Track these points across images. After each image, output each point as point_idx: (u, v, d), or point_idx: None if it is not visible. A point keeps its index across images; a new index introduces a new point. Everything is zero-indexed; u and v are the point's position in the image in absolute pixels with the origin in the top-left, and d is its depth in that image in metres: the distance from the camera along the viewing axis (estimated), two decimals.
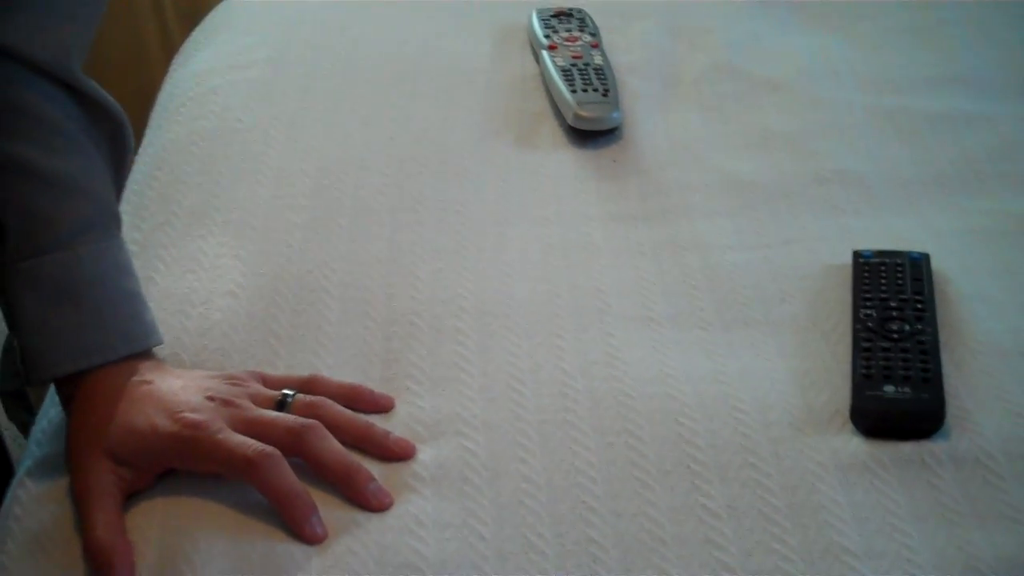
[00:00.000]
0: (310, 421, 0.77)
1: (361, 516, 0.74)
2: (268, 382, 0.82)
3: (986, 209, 1.02)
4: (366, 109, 1.15)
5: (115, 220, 0.83)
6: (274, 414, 0.77)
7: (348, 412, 0.80)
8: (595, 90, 1.13)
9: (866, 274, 0.91)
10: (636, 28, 1.30)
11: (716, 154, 1.10)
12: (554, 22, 1.25)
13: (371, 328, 0.89)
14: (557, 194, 1.04)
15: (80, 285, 0.79)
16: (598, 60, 1.18)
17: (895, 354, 0.82)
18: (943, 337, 0.85)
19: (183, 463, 0.76)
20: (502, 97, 1.18)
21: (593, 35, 1.23)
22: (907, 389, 0.80)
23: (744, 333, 0.88)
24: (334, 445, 0.77)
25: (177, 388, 0.78)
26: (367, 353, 0.87)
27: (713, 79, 1.21)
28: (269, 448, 0.74)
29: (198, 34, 1.33)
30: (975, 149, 1.09)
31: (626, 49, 1.25)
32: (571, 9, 1.28)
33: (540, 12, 1.27)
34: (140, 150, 1.14)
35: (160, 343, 0.83)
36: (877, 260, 0.92)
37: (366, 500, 0.75)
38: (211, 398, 0.77)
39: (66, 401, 0.80)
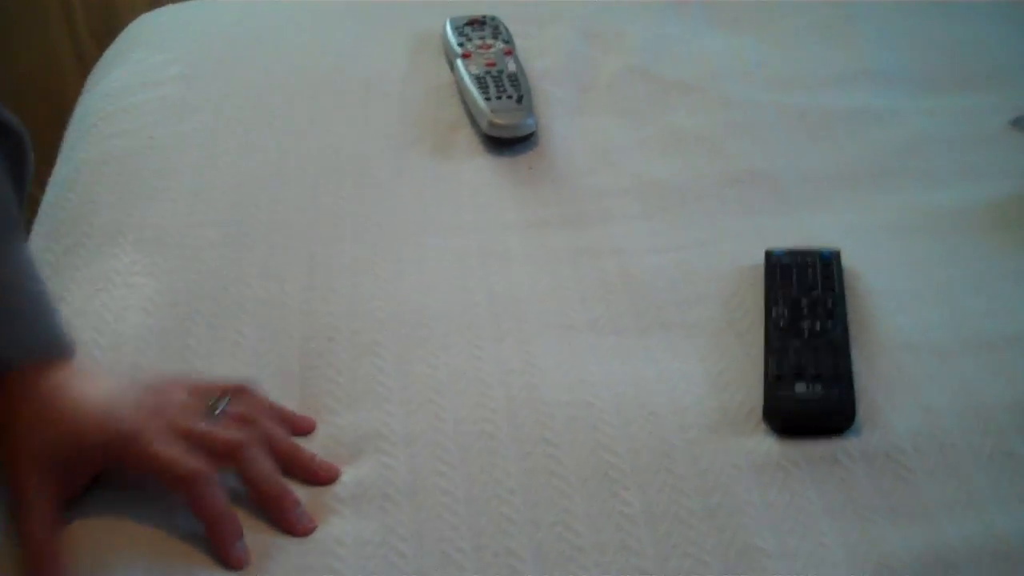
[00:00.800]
0: (246, 437, 0.77)
1: (282, 539, 0.74)
2: (195, 389, 0.81)
3: (895, 204, 1.03)
4: (281, 123, 1.15)
5: (17, 228, 0.82)
6: (208, 427, 0.77)
7: (279, 431, 0.80)
8: (509, 97, 1.13)
9: (778, 273, 0.92)
10: (550, 33, 1.30)
11: (631, 158, 1.10)
12: (468, 30, 1.24)
13: (287, 344, 0.89)
14: (474, 202, 1.05)
15: None
16: (512, 67, 1.18)
17: (806, 353, 0.83)
18: (854, 333, 0.87)
19: (113, 471, 0.76)
20: (418, 107, 1.18)
21: (507, 42, 1.22)
22: (818, 387, 0.81)
23: (660, 337, 0.89)
24: (268, 465, 0.77)
25: (104, 395, 0.77)
26: (284, 369, 0.87)
27: (627, 82, 1.22)
28: (204, 467, 0.74)
29: (111, 52, 1.32)
30: (884, 145, 1.11)
31: (540, 54, 1.26)
32: (484, 17, 1.28)
33: (454, 21, 1.27)
34: (53, 171, 1.13)
35: (69, 352, 0.80)
36: (788, 259, 0.93)
37: (291, 525, 0.75)
38: (140, 406, 0.76)
39: None
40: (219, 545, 0.73)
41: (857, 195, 1.05)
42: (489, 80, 1.16)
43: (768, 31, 1.31)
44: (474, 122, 1.14)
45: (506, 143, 1.12)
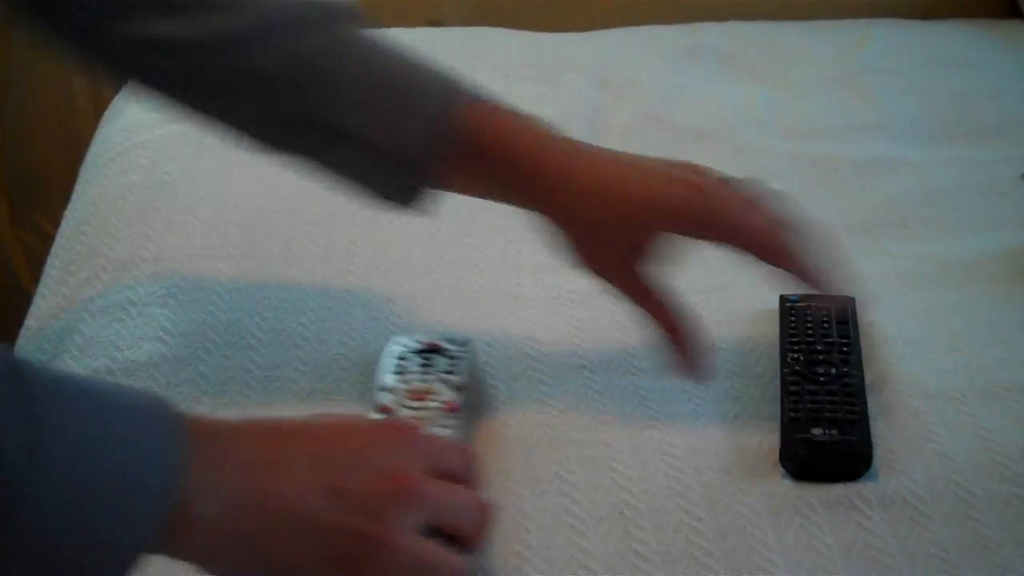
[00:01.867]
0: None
1: None
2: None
3: (910, 253, 1.04)
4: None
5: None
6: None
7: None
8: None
9: (792, 318, 0.91)
10: (563, 80, 1.31)
11: None
12: (414, 360, 0.85)
13: (301, 371, 0.89)
14: (488, 243, 1.05)
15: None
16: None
17: (822, 397, 0.83)
18: (869, 379, 0.86)
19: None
20: None
21: (458, 388, 0.82)
22: (835, 431, 0.80)
23: (676, 379, 0.89)
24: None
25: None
26: (296, 400, 0.87)
27: (640, 130, 1.22)
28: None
29: (127, 89, 1.33)
30: (899, 195, 1.11)
31: (554, 101, 1.26)
32: (450, 343, 0.86)
33: (400, 343, 0.86)
34: (69, 205, 1.13)
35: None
36: (803, 304, 0.92)
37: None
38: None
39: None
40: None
41: (871, 244, 1.05)
42: None
43: (781, 81, 1.32)
44: None
45: None
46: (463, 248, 1.04)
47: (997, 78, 1.31)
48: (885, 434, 0.82)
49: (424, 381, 0.82)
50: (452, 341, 0.86)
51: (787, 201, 0.84)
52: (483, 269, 1.01)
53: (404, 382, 0.82)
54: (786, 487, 0.79)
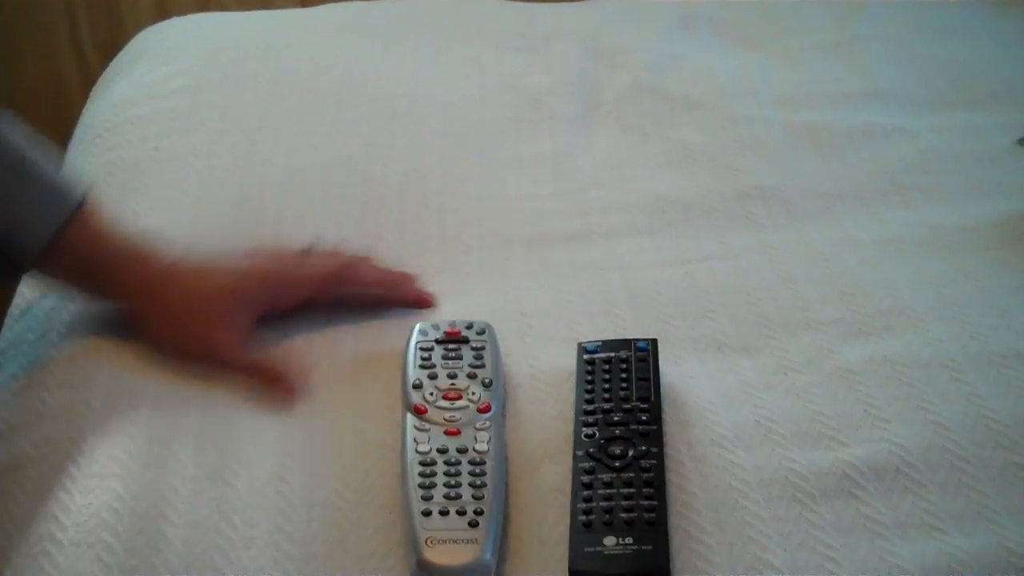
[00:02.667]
0: (351, 254, 0.92)
1: None
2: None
3: (905, 220, 1.03)
4: (286, 137, 1.14)
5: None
6: (318, 255, 0.91)
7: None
8: (460, 512, 0.73)
9: (589, 376, 0.83)
10: (558, 49, 1.30)
11: (638, 173, 1.10)
12: (438, 351, 0.85)
13: (288, 357, 0.88)
14: (479, 217, 1.04)
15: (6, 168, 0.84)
16: (483, 444, 0.78)
17: (617, 489, 0.74)
18: (669, 428, 0.80)
19: (273, 303, 0.88)
20: (424, 121, 1.17)
21: (486, 385, 0.82)
22: (629, 539, 0.71)
23: (666, 351, 0.88)
24: (379, 268, 0.93)
25: (218, 260, 0.89)
26: None
27: (634, 99, 1.21)
28: (350, 257, 0.91)
29: (116, 64, 1.32)
30: (891, 162, 1.10)
31: (547, 70, 1.25)
32: (468, 329, 0.87)
33: (423, 330, 0.87)
34: None
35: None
36: (603, 355, 0.84)
37: (419, 298, 0.92)
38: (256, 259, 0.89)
39: (74, 282, 0.88)
40: (403, 296, 0.92)
41: (865, 211, 1.04)
42: (440, 465, 0.76)
43: (775, 49, 1.30)
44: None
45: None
46: (454, 226, 1.03)
47: (992, 45, 1.30)
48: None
49: (453, 377, 0.82)
50: (473, 329, 0.86)
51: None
52: (473, 245, 1.00)
53: (433, 377, 0.82)
54: None
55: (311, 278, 0.90)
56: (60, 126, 1.31)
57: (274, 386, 0.84)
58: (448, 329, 0.86)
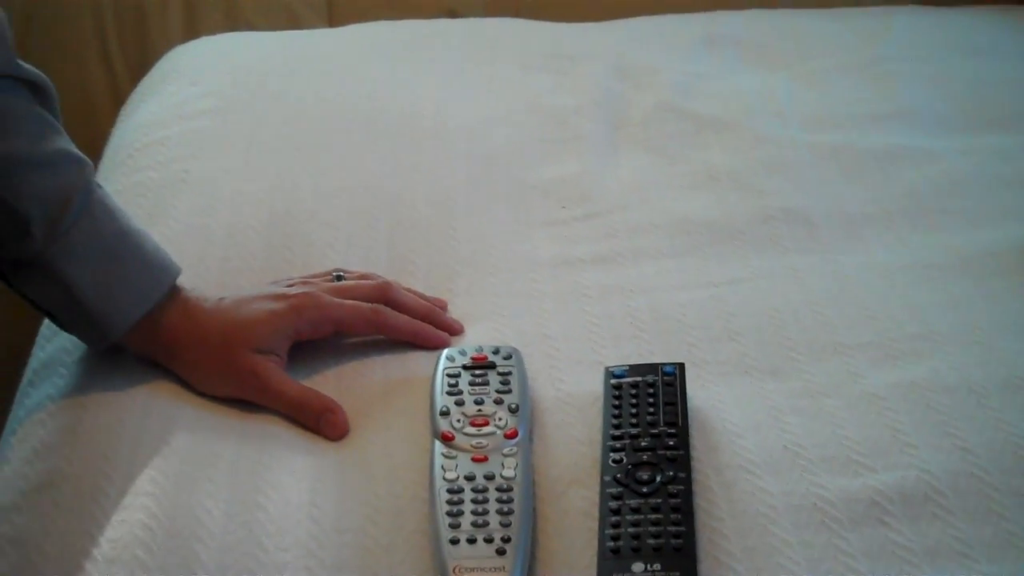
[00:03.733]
0: (384, 280, 0.93)
1: None
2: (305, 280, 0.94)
3: (932, 244, 1.03)
4: (315, 159, 1.14)
5: (90, 168, 0.88)
6: (352, 282, 0.93)
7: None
8: (487, 540, 0.73)
9: (616, 401, 0.83)
10: (583, 70, 1.30)
11: (663, 195, 1.10)
12: (465, 377, 0.85)
13: (318, 382, 0.89)
14: (506, 240, 1.04)
15: (111, 240, 0.86)
16: (510, 471, 0.78)
17: (645, 515, 0.74)
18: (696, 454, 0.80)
19: (306, 331, 0.88)
20: (453, 142, 1.18)
21: (513, 411, 0.82)
22: (657, 566, 0.71)
23: (691, 373, 0.88)
24: (411, 296, 0.93)
25: (251, 293, 0.90)
26: None
27: (660, 120, 1.21)
28: (377, 304, 0.90)
29: (145, 84, 1.33)
30: (920, 184, 1.10)
31: (573, 91, 1.26)
32: (495, 355, 0.87)
33: (450, 356, 0.87)
34: None
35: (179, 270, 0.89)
36: (630, 379, 0.84)
37: (449, 327, 0.92)
38: (288, 287, 0.91)
39: (145, 352, 0.88)
40: (427, 342, 0.90)
41: (892, 235, 1.04)
42: (468, 492, 0.76)
43: (800, 69, 1.31)
44: (502, 166, 1.13)
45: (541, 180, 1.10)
46: (482, 248, 1.03)
47: (1020, 65, 1.30)
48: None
49: (480, 403, 0.82)
50: (500, 354, 0.86)
51: None
52: (501, 268, 1.01)
53: (460, 404, 0.82)
54: None
55: (342, 308, 0.90)
56: (89, 145, 1.32)
57: (325, 418, 0.84)
58: (475, 355, 0.86)
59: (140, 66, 1.46)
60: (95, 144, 1.26)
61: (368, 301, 0.91)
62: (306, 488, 0.79)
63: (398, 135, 1.18)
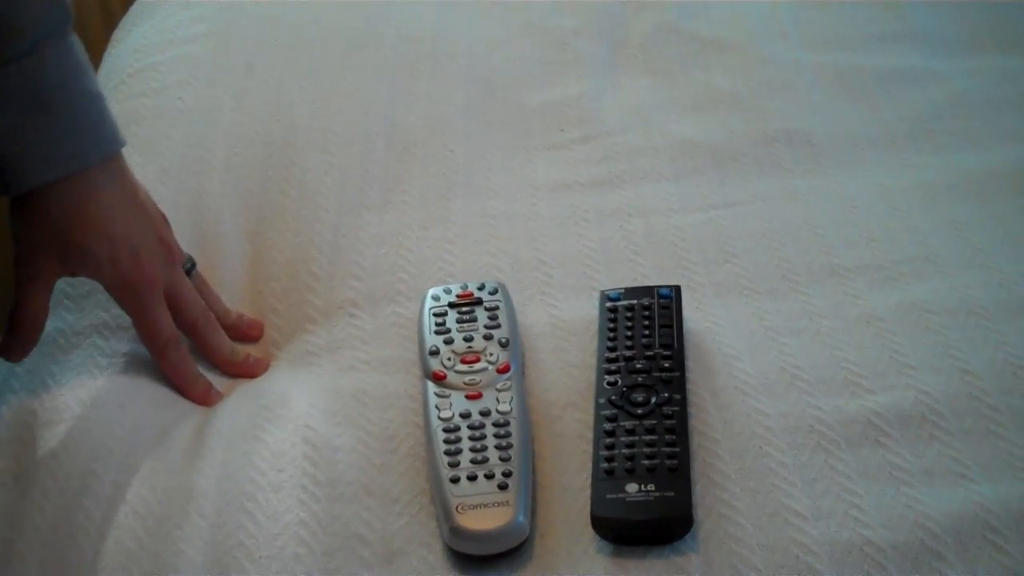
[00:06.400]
0: (211, 317, 0.87)
1: None
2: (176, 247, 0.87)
3: (935, 164, 1.01)
4: (311, 85, 1.12)
5: (69, 17, 0.81)
6: (192, 296, 0.86)
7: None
8: (488, 476, 0.72)
9: (611, 324, 0.82)
10: None
11: (664, 117, 1.09)
12: (451, 315, 0.84)
13: (311, 315, 0.89)
14: (504, 164, 1.03)
15: (49, 90, 0.79)
16: (505, 404, 0.77)
17: (639, 436, 0.74)
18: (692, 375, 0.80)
19: (118, 298, 0.83)
20: (450, 65, 1.16)
21: (503, 345, 0.81)
22: (651, 487, 0.71)
23: (688, 296, 0.87)
24: (224, 339, 0.88)
25: (139, 217, 0.83)
26: (305, 334, 0.88)
27: (660, 41, 1.20)
28: (177, 339, 0.85)
29: (136, 8, 1.31)
30: (923, 106, 1.09)
31: (572, 12, 1.24)
32: (480, 290, 0.85)
33: (435, 295, 0.86)
34: None
35: (124, 144, 0.84)
36: (625, 302, 0.84)
37: (251, 372, 0.86)
38: (162, 243, 0.85)
39: (20, 204, 0.80)
40: (194, 399, 0.84)
41: (895, 156, 1.03)
42: (464, 430, 0.75)
43: None
44: (503, 85, 1.12)
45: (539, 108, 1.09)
46: (480, 172, 1.02)
47: None
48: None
49: (469, 340, 0.81)
50: (486, 289, 0.85)
51: None
52: (498, 192, 1.00)
53: (449, 342, 0.81)
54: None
55: (154, 312, 0.84)
56: None
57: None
58: (460, 292, 0.85)
59: None
60: None
61: (186, 322, 0.86)
62: (301, 412, 0.79)
63: (395, 58, 1.17)
